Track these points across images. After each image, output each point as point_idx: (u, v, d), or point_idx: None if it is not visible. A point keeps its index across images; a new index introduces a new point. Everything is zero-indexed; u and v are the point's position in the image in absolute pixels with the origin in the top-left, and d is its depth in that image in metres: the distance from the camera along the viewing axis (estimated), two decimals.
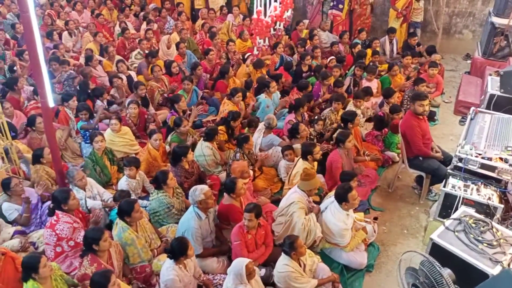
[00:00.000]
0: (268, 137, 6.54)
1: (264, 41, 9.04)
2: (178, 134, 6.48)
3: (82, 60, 9.12)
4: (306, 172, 4.94)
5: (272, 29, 9.02)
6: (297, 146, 6.13)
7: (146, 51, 9.36)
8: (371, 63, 8.73)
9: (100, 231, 4.20)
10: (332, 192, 4.94)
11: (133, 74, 8.72)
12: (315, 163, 5.77)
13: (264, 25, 8.60)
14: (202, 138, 6.21)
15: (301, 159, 5.65)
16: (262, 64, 8.64)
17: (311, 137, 6.55)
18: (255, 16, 8.58)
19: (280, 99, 7.90)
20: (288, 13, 9.82)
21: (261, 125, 6.69)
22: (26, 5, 4.04)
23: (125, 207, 4.46)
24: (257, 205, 4.55)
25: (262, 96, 7.67)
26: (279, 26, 9.33)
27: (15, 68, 8.21)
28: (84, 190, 5.39)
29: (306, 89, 7.70)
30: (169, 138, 6.65)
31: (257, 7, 8.47)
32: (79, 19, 11.67)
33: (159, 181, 5.08)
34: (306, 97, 7.28)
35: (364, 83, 8.26)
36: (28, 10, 4.11)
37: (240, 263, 3.91)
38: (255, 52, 9.11)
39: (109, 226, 4.97)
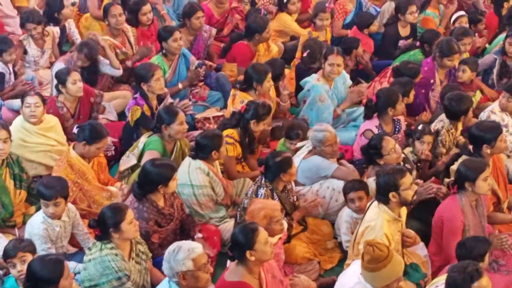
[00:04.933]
0: (311, 160, 4.50)
1: None
2: (161, 138, 4.53)
3: None
4: (374, 253, 3.36)
5: None
6: (372, 181, 4.19)
7: None
8: None
9: None
10: (441, 278, 3.64)
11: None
12: (403, 211, 3.94)
13: None
14: (190, 153, 4.49)
15: (375, 203, 3.85)
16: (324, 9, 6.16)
17: (407, 166, 4.45)
18: None
19: (351, 87, 5.52)
20: None
21: (306, 142, 4.66)
22: None
23: (46, 273, 3.39)
24: None
25: (312, 79, 5.20)
26: None
27: None
28: None
29: (412, 75, 5.09)
30: (140, 145, 4.61)
31: None
32: None
33: (105, 225, 3.77)
34: (403, 87, 4.90)
35: None
36: None
37: None
38: None
39: None
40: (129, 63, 5.54)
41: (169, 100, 4.89)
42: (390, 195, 3.62)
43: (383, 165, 4.01)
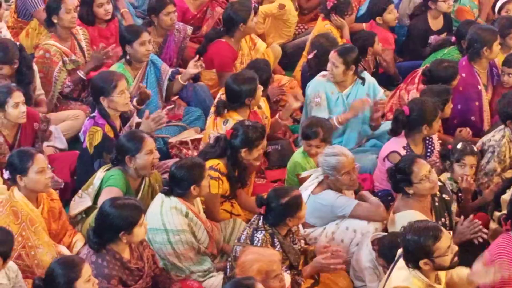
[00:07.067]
0: (322, 196, 3.64)
1: None
2: (123, 172, 3.68)
3: None
4: None
5: None
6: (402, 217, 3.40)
7: None
8: None
9: None
10: None
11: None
12: (442, 276, 2.99)
13: None
14: (162, 189, 3.68)
15: (402, 267, 2.96)
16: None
17: (444, 196, 3.64)
18: None
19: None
20: None
21: (314, 171, 3.79)
22: None
23: None
24: None
25: (318, 82, 4.23)
26: None
27: None
28: None
29: (448, 78, 4.13)
30: (95, 181, 3.69)
31: None
32: None
33: (55, 285, 3.05)
34: (438, 97, 3.88)
35: None
36: None
37: None
38: None
39: None
40: (81, 73, 4.52)
41: (136, 119, 3.91)
42: (421, 263, 2.79)
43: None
